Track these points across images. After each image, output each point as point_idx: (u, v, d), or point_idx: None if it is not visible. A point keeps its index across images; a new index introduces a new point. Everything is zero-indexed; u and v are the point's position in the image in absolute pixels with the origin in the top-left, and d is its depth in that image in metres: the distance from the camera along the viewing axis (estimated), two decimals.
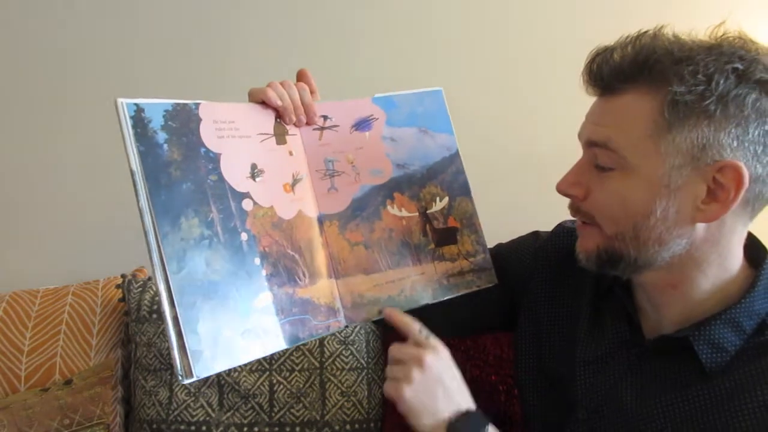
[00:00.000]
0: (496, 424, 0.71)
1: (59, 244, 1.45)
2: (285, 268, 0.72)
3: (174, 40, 1.42)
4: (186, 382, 0.62)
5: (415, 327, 0.73)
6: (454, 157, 0.86)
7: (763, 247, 0.70)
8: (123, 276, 1.31)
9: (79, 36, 1.41)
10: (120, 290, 1.29)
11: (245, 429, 1.16)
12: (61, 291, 1.31)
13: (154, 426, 1.17)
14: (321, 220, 0.77)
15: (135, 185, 0.64)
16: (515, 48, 1.42)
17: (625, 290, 0.75)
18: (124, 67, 1.42)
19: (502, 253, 0.90)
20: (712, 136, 0.60)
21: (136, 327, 1.22)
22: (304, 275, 0.73)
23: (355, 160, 0.80)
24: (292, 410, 1.16)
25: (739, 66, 0.60)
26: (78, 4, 1.40)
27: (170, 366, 1.19)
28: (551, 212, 0.91)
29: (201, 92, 1.37)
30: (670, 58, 0.61)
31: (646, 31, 0.64)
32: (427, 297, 0.80)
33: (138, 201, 0.63)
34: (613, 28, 0.68)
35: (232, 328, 0.66)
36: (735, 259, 0.67)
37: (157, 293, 1.25)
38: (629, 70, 0.63)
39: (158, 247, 0.63)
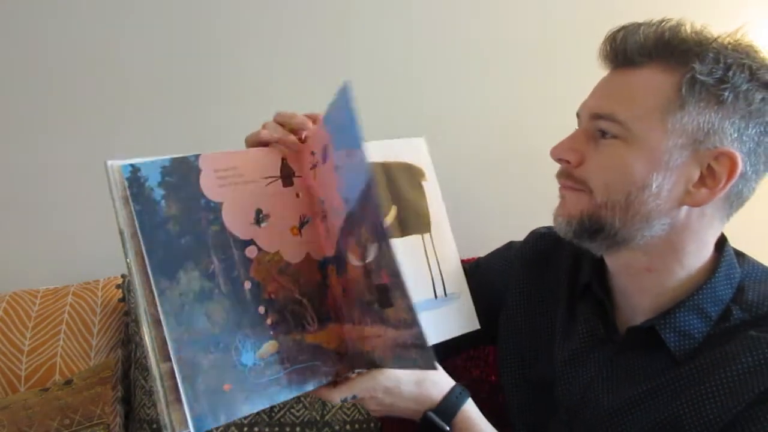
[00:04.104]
0: (496, 425, 0.71)
1: (59, 244, 1.45)
2: (292, 314, 0.70)
3: (168, 46, 1.42)
4: None
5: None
6: (370, 184, 0.61)
7: (724, 236, 0.71)
8: (123, 276, 1.32)
9: (81, 37, 1.41)
10: (120, 290, 1.30)
11: (245, 429, 1.16)
12: (61, 291, 1.31)
13: (154, 426, 1.18)
14: (324, 264, 0.74)
15: (124, 245, 0.62)
16: (512, 47, 1.42)
17: (602, 287, 0.75)
18: (125, 69, 1.42)
19: (481, 267, 0.91)
20: (718, 123, 0.63)
21: (136, 327, 1.22)
22: (312, 320, 0.70)
23: (325, 199, 0.71)
24: (292, 410, 1.16)
25: (753, 65, 0.63)
26: (76, 6, 1.41)
27: None
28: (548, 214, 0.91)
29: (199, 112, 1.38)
30: (695, 41, 0.64)
31: (669, 19, 0.66)
32: (386, 363, 0.68)
33: (126, 257, 0.62)
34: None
35: (234, 381, 0.65)
36: (708, 253, 0.69)
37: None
38: (653, 46, 0.65)
39: (153, 303, 0.62)
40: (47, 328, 1.25)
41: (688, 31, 0.65)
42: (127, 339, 1.27)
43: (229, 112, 1.40)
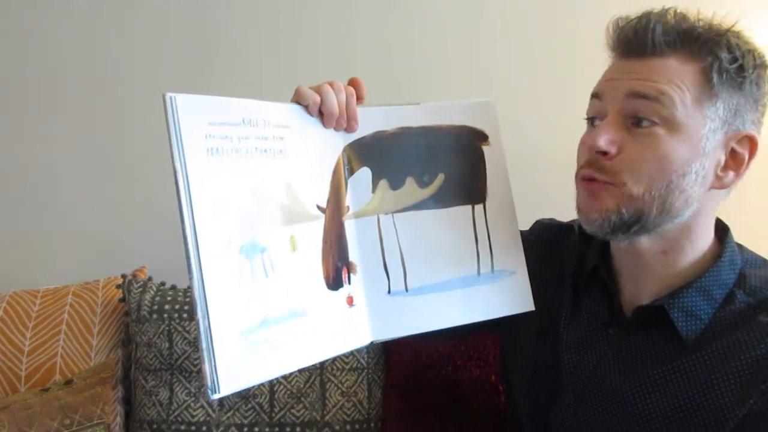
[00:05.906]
0: (497, 425, 0.71)
1: (59, 244, 1.45)
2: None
3: (169, 45, 1.42)
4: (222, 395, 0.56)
5: None
6: None
7: (723, 222, 0.74)
8: (123, 276, 1.31)
9: (83, 39, 1.42)
10: (120, 290, 1.29)
11: (245, 429, 1.16)
12: (61, 291, 1.31)
13: (155, 426, 1.17)
14: None
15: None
16: (512, 45, 1.42)
17: (607, 271, 0.76)
18: (126, 68, 1.42)
19: None
20: (742, 107, 0.66)
21: (136, 327, 1.22)
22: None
23: None
24: (292, 410, 1.16)
25: (756, 51, 0.66)
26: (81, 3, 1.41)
27: (170, 366, 1.19)
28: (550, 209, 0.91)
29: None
30: (712, 31, 0.66)
31: (671, 7, 0.67)
32: None
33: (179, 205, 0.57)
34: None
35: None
36: (711, 232, 0.72)
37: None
38: (677, 36, 0.66)
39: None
40: (47, 328, 1.25)
41: (699, 18, 0.67)
42: (127, 339, 1.27)
43: None
